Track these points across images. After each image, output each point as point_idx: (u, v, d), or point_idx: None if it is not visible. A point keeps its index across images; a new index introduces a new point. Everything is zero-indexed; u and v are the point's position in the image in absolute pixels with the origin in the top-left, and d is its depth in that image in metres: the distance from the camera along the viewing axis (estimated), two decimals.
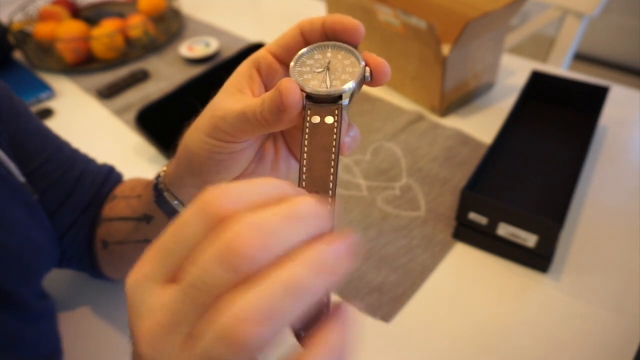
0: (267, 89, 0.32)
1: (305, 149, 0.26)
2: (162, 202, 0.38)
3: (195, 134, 0.32)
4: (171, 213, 0.38)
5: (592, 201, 0.62)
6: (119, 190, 0.49)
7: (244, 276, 0.17)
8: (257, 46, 0.85)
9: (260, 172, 0.35)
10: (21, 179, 0.43)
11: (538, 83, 0.73)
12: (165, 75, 0.94)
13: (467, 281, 0.54)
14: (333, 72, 0.28)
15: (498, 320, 0.50)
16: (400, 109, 0.80)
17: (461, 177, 0.66)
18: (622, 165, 0.67)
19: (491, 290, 0.53)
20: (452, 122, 0.77)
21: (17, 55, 1.02)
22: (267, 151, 0.35)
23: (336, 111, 0.27)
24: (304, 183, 0.25)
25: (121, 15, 1.06)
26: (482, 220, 0.54)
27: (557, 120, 0.72)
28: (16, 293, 0.40)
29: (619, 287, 0.52)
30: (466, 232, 0.57)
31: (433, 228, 0.60)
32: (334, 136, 0.26)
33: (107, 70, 0.96)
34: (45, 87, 0.90)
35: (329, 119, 0.26)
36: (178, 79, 0.89)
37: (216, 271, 0.17)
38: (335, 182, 0.25)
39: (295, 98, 0.26)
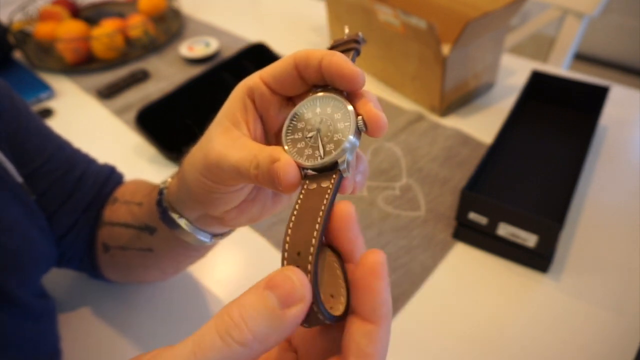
0: (262, 120, 0.31)
1: (296, 208, 0.25)
2: (167, 219, 0.37)
3: (191, 169, 0.31)
4: (176, 228, 0.37)
5: (592, 201, 0.62)
6: (120, 193, 0.49)
7: None
8: (257, 46, 0.85)
9: (262, 199, 0.34)
10: (19, 179, 0.43)
11: (538, 83, 0.73)
12: (165, 75, 0.94)
13: (467, 281, 0.54)
14: (325, 134, 0.26)
15: (498, 320, 0.50)
16: (400, 109, 0.80)
17: (461, 177, 0.66)
18: (622, 165, 0.67)
19: (491, 290, 0.53)
20: (452, 122, 0.77)
21: (17, 55, 1.02)
22: None
23: (333, 176, 0.25)
24: (287, 245, 0.24)
25: (121, 15, 1.06)
26: (482, 220, 0.54)
27: (557, 120, 0.72)
28: (15, 293, 0.40)
29: (619, 287, 0.52)
30: (466, 232, 0.57)
31: (433, 228, 0.60)
32: (325, 200, 0.25)
33: (107, 70, 0.96)
34: (45, 87, 0.90)
35: (325, 183, 0.25)
36: (178, 79, 0.89)
37: None
38: (318, 245, 0.24)
39: (293, 179, 0.25)
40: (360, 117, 0.26)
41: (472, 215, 0.55)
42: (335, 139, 0.26)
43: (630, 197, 0.62)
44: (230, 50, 0.97)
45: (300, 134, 0.27)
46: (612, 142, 0.71)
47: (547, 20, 1.17)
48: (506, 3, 0.69)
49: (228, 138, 0.29)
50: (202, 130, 0.32)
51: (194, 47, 0.98)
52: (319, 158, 0.26)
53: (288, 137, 0.27)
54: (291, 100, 0.30)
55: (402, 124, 0.77)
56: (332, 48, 0.30)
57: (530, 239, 0.52)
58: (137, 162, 0.74)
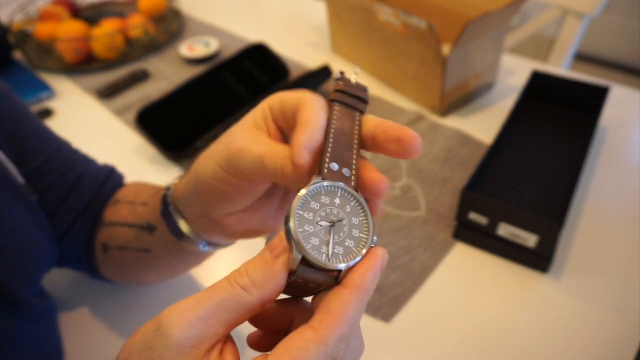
0: (281, 131, 0.31)
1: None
2: (166, 215, 0.38)
3: (208, 160, 0.32)
4: (173, 227, 0.37)
5: (592, 201, 0.62)
6: (122, 195, 0.49)
7: None
8: (257, 46, 0.85)
9: (267, 209, 0.34)
10: (20, 179, 0.43)
11: (538, 83, 0.73)
12: (165, 75, 0.94)
13: (467, 281, 0.54)
14: (337, 233, 0.25)
15: (498, 320, 0.50)
16: (400, 109, 0.80)
17: (461, 177, 0.66)
18: (622, 165, 0.67)
19: (491, 290, 0.53)
20: (452, 122, 0.77)
21: (17, 55, 1.02)
22: (277, 189, 0.34)
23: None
24: None
25: (121, 15, 1.06)
26: (482, 220, 0.54)
27: (557, 120, 0.72)
28: (15, 293, 0.40)
29: (619, 287, 0.52)
30: (466, 232, 0.57)
31: (433, 228, 0.60)
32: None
33: (107, 70, 0.96)
34: (45, 87, 0.90)
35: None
36: (178, 79, 0.89)
37: None
38: None
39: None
40: (375, 238, 0.25)
41: (472, 215, 0.55)
42: (346, 244, 0.24)
43: (630, 197, 0.62)
44: (230, 50, 0.97)
45: (311, 214, 0.25)
46: (612, 142, 0.71)
47: (547, 20, 1.17)
48: (506, 3, 0.69)
49: (251, 134, 0.30)
50: (213, 124, 0.32)
51: (194, 47, 0.98)
52: (324, 256, 0.24)
53: (297, 212, 0.25)
54: None
55: (402, 124, 0.76)
56: (337, 90, 0.30)
57: (530, 239, 0.52)
58: (137, 162, 0.74)
